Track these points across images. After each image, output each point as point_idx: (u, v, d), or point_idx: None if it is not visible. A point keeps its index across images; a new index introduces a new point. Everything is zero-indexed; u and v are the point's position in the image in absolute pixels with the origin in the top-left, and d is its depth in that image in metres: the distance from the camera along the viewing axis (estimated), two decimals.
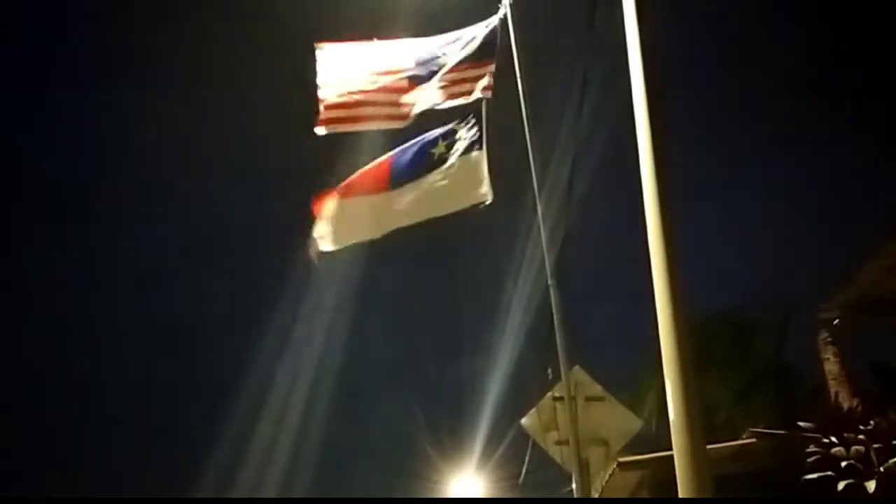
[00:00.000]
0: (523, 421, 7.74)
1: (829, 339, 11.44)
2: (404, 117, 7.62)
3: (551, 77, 9.71)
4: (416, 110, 7.61)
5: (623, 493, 11.84)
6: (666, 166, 5.01)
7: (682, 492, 4.39)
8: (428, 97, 7.59)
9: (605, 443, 7.33)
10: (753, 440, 10.75)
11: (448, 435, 19.79)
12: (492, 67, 7.61)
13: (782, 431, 9.66)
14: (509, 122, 7.77)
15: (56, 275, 34.12)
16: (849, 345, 11.38)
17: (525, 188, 7.78)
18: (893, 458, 8.17)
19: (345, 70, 7.66)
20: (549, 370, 7.85)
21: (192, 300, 33.42)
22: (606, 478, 10.92)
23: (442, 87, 7.60)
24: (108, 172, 32.75)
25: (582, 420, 7.21)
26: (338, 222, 7.70)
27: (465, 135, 7.70)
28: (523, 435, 8.38)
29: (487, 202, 7.58)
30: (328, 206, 7.74)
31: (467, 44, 7.67)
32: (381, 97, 7.63)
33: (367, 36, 7.91)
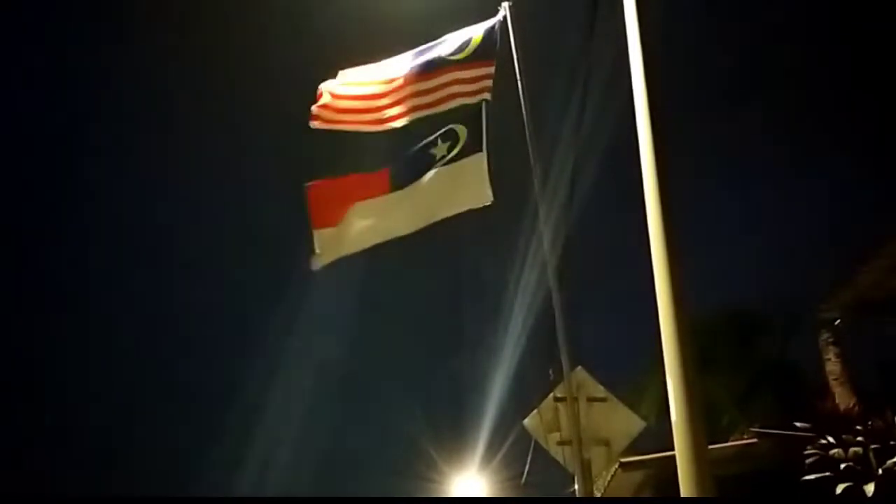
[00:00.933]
0: (525, 421, 7.75)
1: (831, 340, 11.46)
2: (401, 116, 7.64)
3: (552, 78, 9.73)
4: (416, 115, 7.63)
5: (625, 494, 11.86)
6: (667, 166, 5.03)
7: (684, 492, 4.40)
8: (427, 100, 7.61)
9: (607, 443, 7.33)
10: (755, 440, 10.77)
11: (450, 435, 19.82)
12: (491, 69, 7.61)
13: (784, 432, 9.67)
14: (510, 124, 7.78)
15: (57, 275, 34.21)
16: (850, 345, 11.40)
17: (526, 189, 7.80)
18: (892, 458, 8.18)
19: (347, 77, 7.71)
20: (551, 371, 7.86)
21: (192, 301, 33.43)
22: (609, 478, 10.96)
23: (441, 89, 7.61)
24: (110, 172, 32.83)
25: (584, 421, 7.22)
26: (338, 234, 7.68)
27: (465, 136, 7.70)
28: (525, 436, 8.39)
29: (488, 204, 7.58)
30: (327, 218, 7.69)
31: (466, 45, 7.68)
32: (380, 101, 7.66)
33: (370, 48, 7.95)
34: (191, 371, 31.36)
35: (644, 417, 8.00)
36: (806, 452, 8.56)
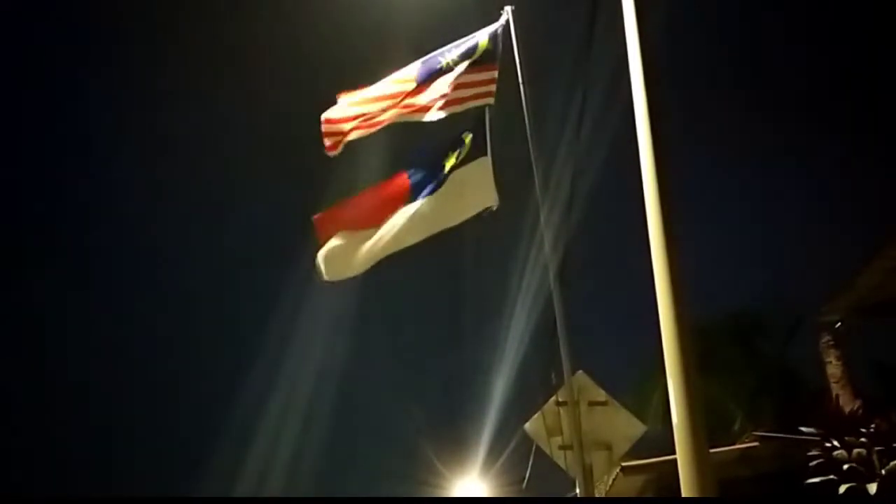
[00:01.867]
0: (527, 426, 7.74)
1: (832, 342, 11.45)
2: (412, 113, 7.63)
3: (553, 81, 9.75)
4: (425, 115, 7.62)
5: None
6: (667, 169, 5.04)
7: (686, 495, 4.41)
8: (431, 106, 7.61)
9: (609, 447, 7.33)
10: (756, 444, 10.77)
11: (451, 440, 19.82)
12: (494, 74, 7.64)
13: (785, 435, 9.67)
14: (511, 126, 7.80)
15: (59, 274, 34.19)
16: (851, 347, 11.39)
17: (528, 193, 7.80)
18: (894, 460, 8.17)
19: (351, 98, 7.69)
20: (553, 375, 7.86)
21: (192, 302, 33.45)
22: (610, 482, 10.95)
23: (445, 95, 7.63)
24: (113, 172, 32.83)
25: (585, 425, 7.21)
26: (349, 249, 7.66)
27: (470, 141, 7.72)
28: (527, 440, 8.38)
29: (494, 208, 7.59)
30: (339, 238, 7.66)
31: (469, 51, 7.69)
32: (385, 104, 7.66)
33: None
34: (190, 372, 31.34)
35: (649, 423, 7.99)
36: (810, 454, 8.55)
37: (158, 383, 31.54)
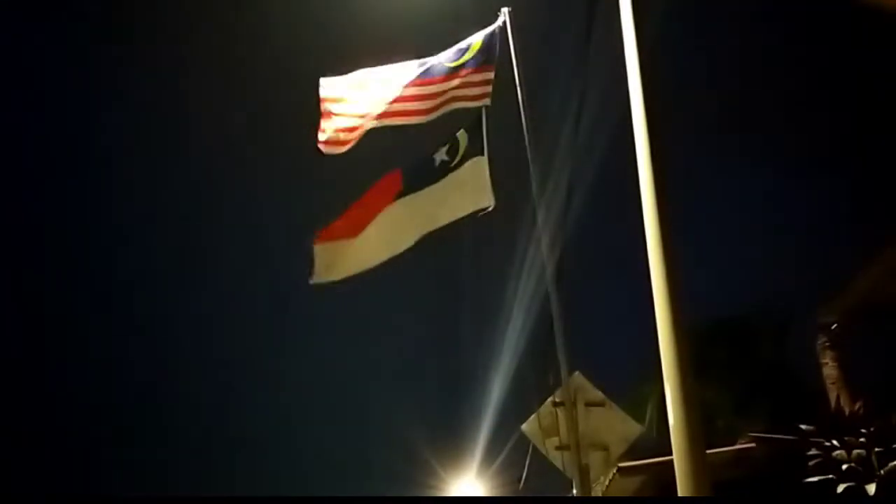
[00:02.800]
0: (524, 426, 7.75)
1: (828, 344, 11.49)
2: (405, 115, 7.65)
3: (550, 83, 9.76)
4: (419, 118, 7.65)
5: None
6: (664, 172, 5.06)
7: (682, 496, 4.43)
8: (429, 104, 7.63)
9: (606, 448, 7.34)
10: (753, 445, 10.78)
11: (448, 440, 19.82)
12: (490, 74, 7.65)
13: (782, 436, 9.69)
14: (508, 128, 7.81)
15: (55, 276, 34.20)
16: (847, 349, 11.42)
17: (525, 194, 7.81)
18: (894, 461, 8.20)
19: (347, 94, 7.69)
20: (550, 375, 7.87)
21: (192, 302, 33.44)
22: (607, 483, 10.95)
23: (441, 95, 7.65)
24: (119, 171, 32.83)
25: (582, 425, 7.22)
26: (345, 250, 7.67)
27: (466, 142, 7.73)
28: (524, 440, 8.40)
29: (490, 208, 7.60)
30: (335, 243, 7.67)
31: (466, 51, 7.71)
32: (382, 107, 7.66)
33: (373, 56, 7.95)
34: (190, 372, 31.34)
35: (647, 425, 8.00)
36: (809, 454, 8.58)
37: (156, 383, 31.58)
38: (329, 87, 7.64)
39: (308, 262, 7.63)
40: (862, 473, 8.26)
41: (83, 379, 31.72)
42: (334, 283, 7.77)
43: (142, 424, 30.31)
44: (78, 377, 32.45)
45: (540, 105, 8.13)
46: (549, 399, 7.53)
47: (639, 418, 8.42)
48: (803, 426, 9.01)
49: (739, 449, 10.84)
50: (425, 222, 7.71)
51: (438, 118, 7.75)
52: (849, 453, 8.42)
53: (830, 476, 8.36)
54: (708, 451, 4.65)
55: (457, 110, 7.79)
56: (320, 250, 7.59)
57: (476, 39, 7.74)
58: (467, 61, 7.65)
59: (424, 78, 7.64)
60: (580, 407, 7.30)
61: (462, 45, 7.75)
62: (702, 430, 4.51)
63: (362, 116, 7.57)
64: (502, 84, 7.64)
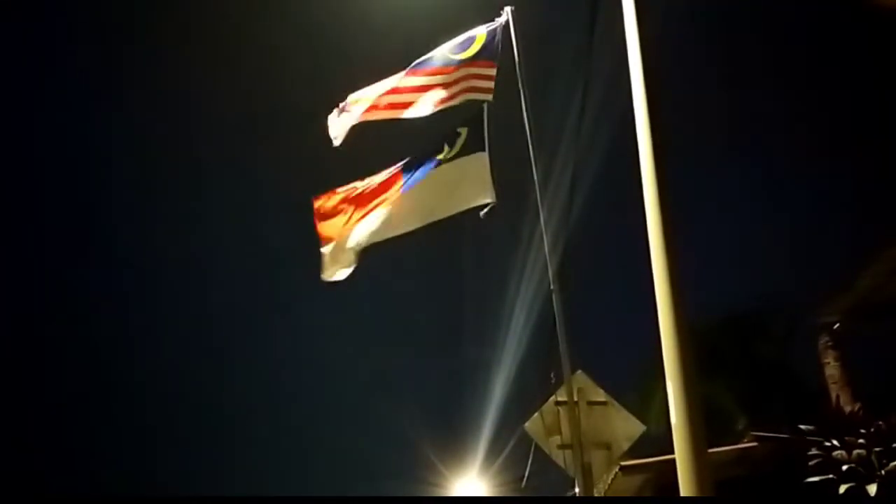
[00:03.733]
0: (526, 425, 7.74)
1: (830, 343, 11.48)
2: (409, 106, 7.68)
3: (553, 81, 9.77)
4: (419, 111, 7.67)
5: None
6: (667, 170, 5.07)
7: (684, 495, 4.43)
8: (430, 99, 7.65)
9: (608, 447, 7.34)
10: (755, 444, 10.78)
11: (451, 439, 19.84)
12: (493, 70, 7.66)
13: (784, 435, 9.70)
14: (511, 125, 7.82)
15: (56, 278, 34.23)
16: (850, 349, 11.42)
17: (527, 193, 7.82)
18: (894, 460, 8.20)
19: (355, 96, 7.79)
20: (553, 374, 7.88)
21: (192, 303, 33.46)
22: (609, 481, 10.96)
23: (444, 90, 7.66)
24: (124, 172, 32.86)
25: (584, 424, 7.23)
26: (345, 244, 7.74)
27: (466, 136, 7.74)
28: (526, 439, 8.40)
29: (491, 203, 7.60)
30: (339, 232, 7.75)
31: (470, 44, 7.72)
32: (384, 98, 7.71)
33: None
34: (190, 371, 31.38)
35: (652, 423, 7.99)
36: (810, 454, 8.57)
37: (157, 383, 31.61)
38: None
39: (314, 262, 7.70)
40: (862, 474, 8.26)
41: (83, 379, 31.81)
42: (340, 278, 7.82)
43: (142, 424, 30.36)
44: (77, 377, 32.52)
45: (542, 103, 8.14)
46: (552, 398, 7.53)
47: (645, 414, 8.41)
48: (804, 426, 9.01)
49: (741, 448, 10.84)
50: (426, 214, 7.74)
51: (440, 117, 7.79)
52: (849, 453, 8.42)
53: (831, 476, 8.36)
54: (710, 450, 4.65)
55: (456, 106, 7.81)
56: (327, 251, 7.70)
57: (480, 33, 7.75)
58: (470, 56, 7.67)
59: (430, 69, 7.67)
60: (582, 405, 7.31)
61: (464, 37, 7.76)
62: (704, 428, 4.51)
63: (373, 107, 7.65)
64: (504, 81, 7.65)
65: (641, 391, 14.20)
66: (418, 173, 7.75)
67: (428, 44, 7.85)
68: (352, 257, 7.78)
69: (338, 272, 7.80)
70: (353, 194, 7.87)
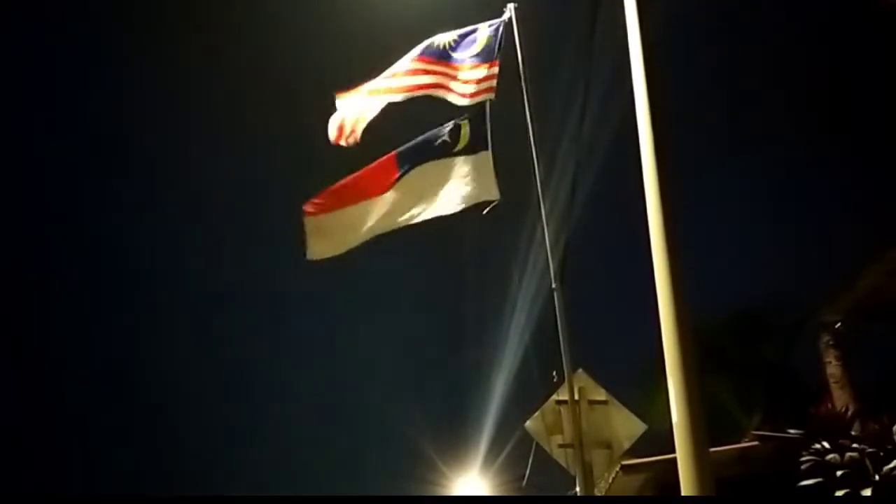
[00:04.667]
0: (527, 424, 7.74)
1: (832, 343, 11.47)
2: (412, 90, 7.68)
3: (555, 78, 9.74)
4: (419, 92, 7.67)
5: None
6: (668, 167, 5.05)
7: (685, 494, 4.42)
8: (431, 81, 7.66)
9: (609, 446, 7.34)
10: (756, 443, 10.77)
11: (452, 437, 19.84)
12: (495, 69, 7.66)
13: (785, 435, 9.68)
14: (512, 123, 7.81)
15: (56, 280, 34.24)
16: (851, 348, 11.41)
17: (529, 190, 7.81)
18: (889, 463, 8.17)
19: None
20: (554, 373, 7.87)
21: (192, 303, 33.46)
22: (610, 481, 10.95)
23: (446, 88, 7.66)
24: (128, 173, 32.86)
25: (585, 423, 7.23)
26: (339, 225, 7.70)
27: (469, 133, 7.73)
28: (527, 438, 8.39)
29: (495, 201, 7.60)
30: (330, 215, 7.71)
31: (471, 45, 7.72)
32: (387, 83, 7.71)
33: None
34: (190, 371, 31.39)
35: (653, 422, 7.97)
36: (801, 459, 8.56)
37: (156, 382, 31.63)
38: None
39: (300, 238, 7.61)
40: (856, 476, 8.23)
41: (83, 378, 31.82)
42: (331, 257, 7.76)
43: (141, 424, 30.38)
44: (77, 377, 32.53)
45: (544, 101, 8.13)
46: (553, 397, 7.53)
47: (645, 413, 8.39)
48: (802, 429, 9.00)
49: (743, 447, 10.83)
50: (427, 210, 7.71)
51: (437, 105, 7.77)
52: (842, 456, 8.39)
53: (821, 479, 8.34)
54: (711, 450, 4.64)
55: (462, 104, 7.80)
56: (311, 223, 7.60)
57: (483, 35, 7.74)
58: (472, 56, 7.66)
59: (435, 59, 7.67)
60: (583, 405, 7.30)
61: (470, 42, 7.74)
62: (705, 427, 4.50)
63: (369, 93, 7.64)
64: (505, 79, 7.64)
65: (642, 390, 14.18)
66: (418, 160, 7.71)
67: (429, 36, 7.84)
68: (346, 243, 7.71)
69: (325, 252, 7.70)
70: (344, 189, 7.81)
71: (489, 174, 7.61)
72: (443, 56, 7.68)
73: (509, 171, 8.16)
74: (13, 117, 30.29)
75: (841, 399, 10.68)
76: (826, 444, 8.51)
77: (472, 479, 17.67)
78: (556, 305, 7.41)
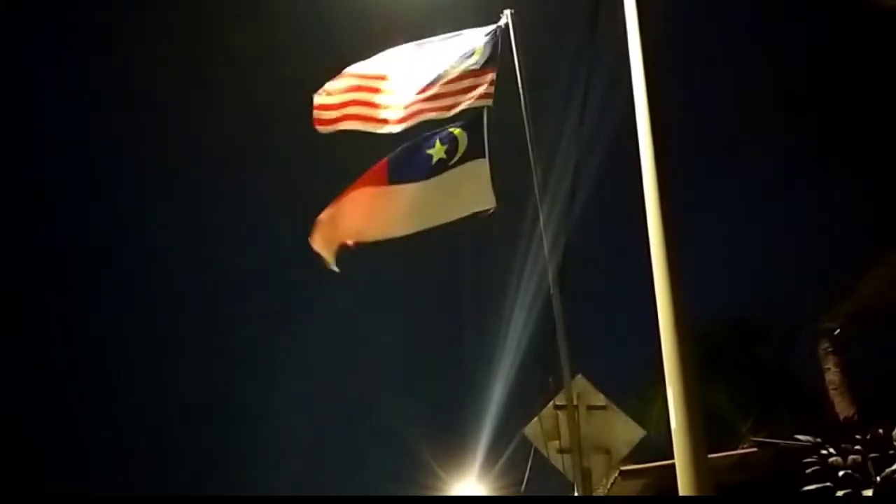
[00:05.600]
0: (526, 429, 7.72)
1: (831, 349, 11.46)
2: (402, 121, 7.65)
3: (553, 83, 9.74)
4: (418, 119, 7.64)
5: None
6: (668, 173, 5.04)
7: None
8: (429, 106, 7.61)
9: (608, 451, 7.31)
10: (755, 449, 10.76)
11: (450, 443, 19.81)
12: (492, 75, 7.63)
13: (783, 441, 9.66)
14: (510, 128, 7.79)
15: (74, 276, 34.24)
16: (850, 355, 11.40)
17: (527, 196, 7.79)
18: (890, 466, 8.17)
19: (345, 72, 7.75)
20: (552, 378, 7.85)
21: (192, 304, 33.44)
22: (608, 486, 10.93)
23: (443, 96, 7.62)
24: (132, 173, 32.86)
25: (584, 429, 7.20)
26: (333, 224, 7.67)
27: (466, 141, 7.70)
28: (525, 443, 8.37)
29: (491, 210, 7.57)
30: (325, 220, 7.67)
31: (467, 51, 7.69)
32: (379, 97, 7.67)
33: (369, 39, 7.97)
34: (190, 371, 31.38)
35: (652, 428, 7.96)
36: (806, 461, 8.54)
37: (155, 382, 31.61)
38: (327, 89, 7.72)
39: (313, 260, 7.61)
40: (858, 480, 8.23)
41: (82, 378, 31.79)
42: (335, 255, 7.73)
43: (141, 424, 30.35)
44: (77, 376, 32.50)
45: (542, 105, 8.11)
46: (551, 402, 7.50)
47: (644, 419, 8.38)
48: (802, 435, 8.99)
49: (742, 453, 10.81)
50: (423, 218, 7.69)
51: None
52: (845, 460, 8.39)
53: (828, 484, 8.33)
54: (710, 456, 4.63)
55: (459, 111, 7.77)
56: (318, 241, 7.60)
57: (479, 42, 7.71)
58: (469, 63, 7.63)
59: (427, 85, 7.62)
60: (582, 410, 7.28)
61: (465, 47, 7.71)
62: (704, 433, 4.48)
63: (360, 103, 7.60)
64: (503, 83, 7.61)
65: (641, 395, 14.17)
66: (411, 168, 7.67)
67: (426, 32, 7.82)
68: (342, 240, 7.67)
69: (329, 250, 7.68)
70: (342, 206, 7.78)
71: (486, 182, 7.59)
72: (440, 78, 7.62)
73: (508, 175, 8.14)
74: (13, 117, 30.30)
75: (840, 405, 10.68)
76: (830, 449, 8.51)
77: (470, 484, 17.65)
78: (555, 310, 7.38)
